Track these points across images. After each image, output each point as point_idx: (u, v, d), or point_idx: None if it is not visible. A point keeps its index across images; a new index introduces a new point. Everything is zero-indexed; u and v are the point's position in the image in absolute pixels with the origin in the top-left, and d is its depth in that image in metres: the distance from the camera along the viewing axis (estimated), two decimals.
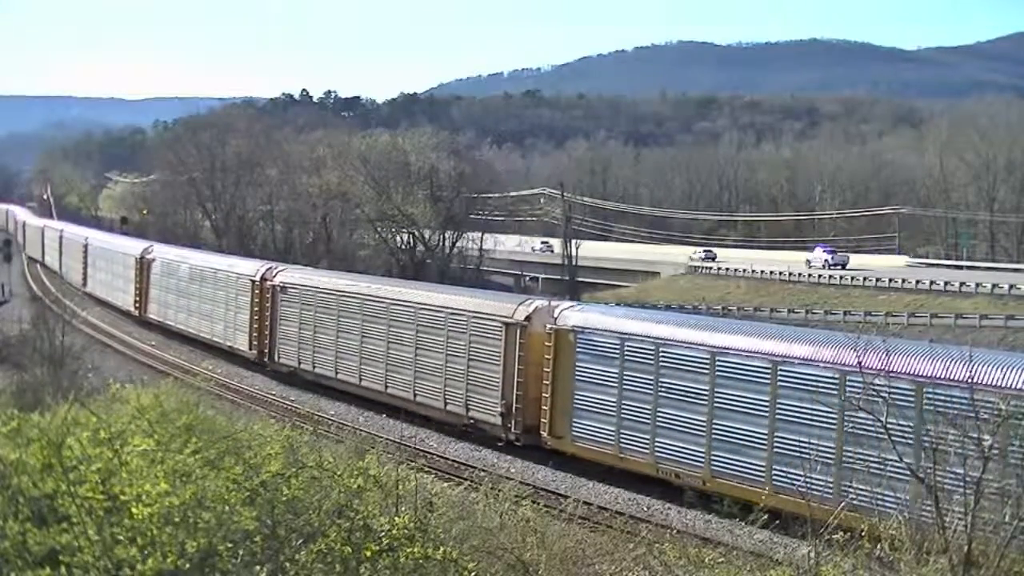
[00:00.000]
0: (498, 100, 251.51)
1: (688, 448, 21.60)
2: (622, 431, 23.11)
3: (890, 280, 67.52)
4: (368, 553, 9.17)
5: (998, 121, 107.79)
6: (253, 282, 38.98)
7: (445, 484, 19.44)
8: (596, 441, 23.76)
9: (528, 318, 25.82)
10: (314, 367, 34.57)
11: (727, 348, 21.08)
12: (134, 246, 55.83)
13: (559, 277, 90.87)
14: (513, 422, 25.94)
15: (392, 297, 31.31)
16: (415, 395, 29.32)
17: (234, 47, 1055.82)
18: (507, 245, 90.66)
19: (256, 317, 38.34)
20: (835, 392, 18.34)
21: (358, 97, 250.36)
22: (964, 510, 9.85)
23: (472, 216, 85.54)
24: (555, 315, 25.36)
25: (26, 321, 38.42)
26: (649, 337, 22.71)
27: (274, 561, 8.88)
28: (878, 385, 14.08)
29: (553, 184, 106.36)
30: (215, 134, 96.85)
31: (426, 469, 21.19)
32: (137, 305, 51.48)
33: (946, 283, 64.29)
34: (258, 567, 8.67)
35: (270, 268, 39.58)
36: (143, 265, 50.96)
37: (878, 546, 10.70)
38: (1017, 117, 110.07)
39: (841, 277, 71.17)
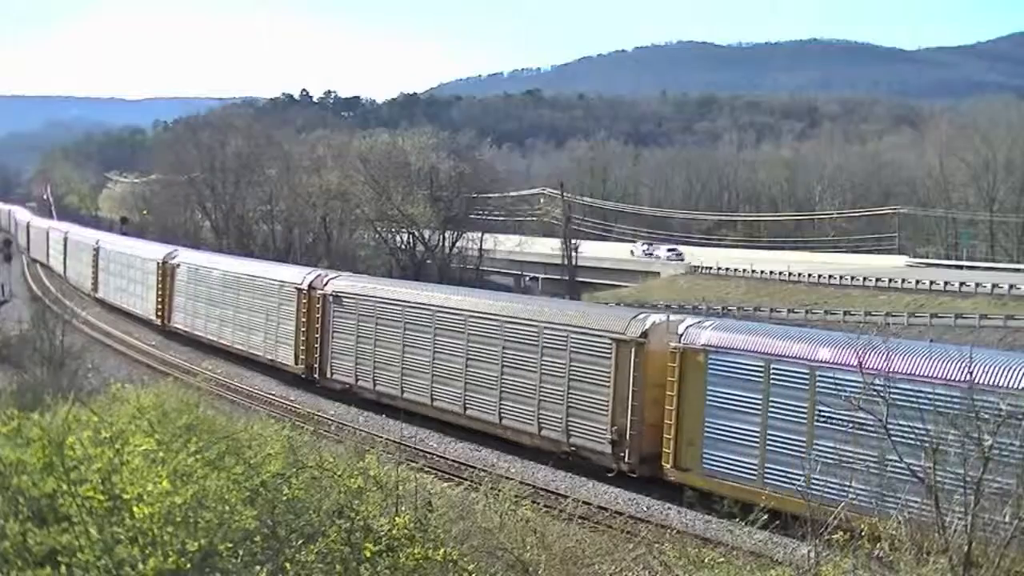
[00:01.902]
0: (498, 100, 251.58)
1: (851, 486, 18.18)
2: (767, 464, 20.22)
3: (890, 280, 67.54)
4: (368, 553, 9.18)
5: (998, 121, 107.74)
6: (299, 290, 36.18)
7: (445, 484, 19.46)
8: (734, 475, 20.88)
9: (644, 335, 23.20)
10: (374, 385, 31.84)
11: (910, 375, 17.39)
12: (155, 250, 52.80)
13: (559, 277, 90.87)
14: (627, 451, 23.23)
15: (471, 309, 28.48)
16: (501, 418, 26.71)
17: (234, 47, 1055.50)
18: (507, 245, 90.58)
19: (304, 329, 35.55)
20: None
21: (358, 97, 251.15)
22: (964, 510, 9.86)
23: (472, 216, 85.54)
24: (679, 332, 22.52)
25: (26, 321, 38.46)
26: (803, 360, 19.78)
27: (274, 561, 8.89)
28: None
29: (553, 184, 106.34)
30: (215, 134, 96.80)
31: (426, 469, 21.19)
32: (159, 313, 48.40)
33: (946, 283, 64.28)
34: (258, 567, 8.68)
35: (318, 276, 36.57)
36: (166, 271, 48.01)
37: (878, 546, 10.71)
38: (1017, 117, 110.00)
39: (841, 277, 71.14)
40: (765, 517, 14.60)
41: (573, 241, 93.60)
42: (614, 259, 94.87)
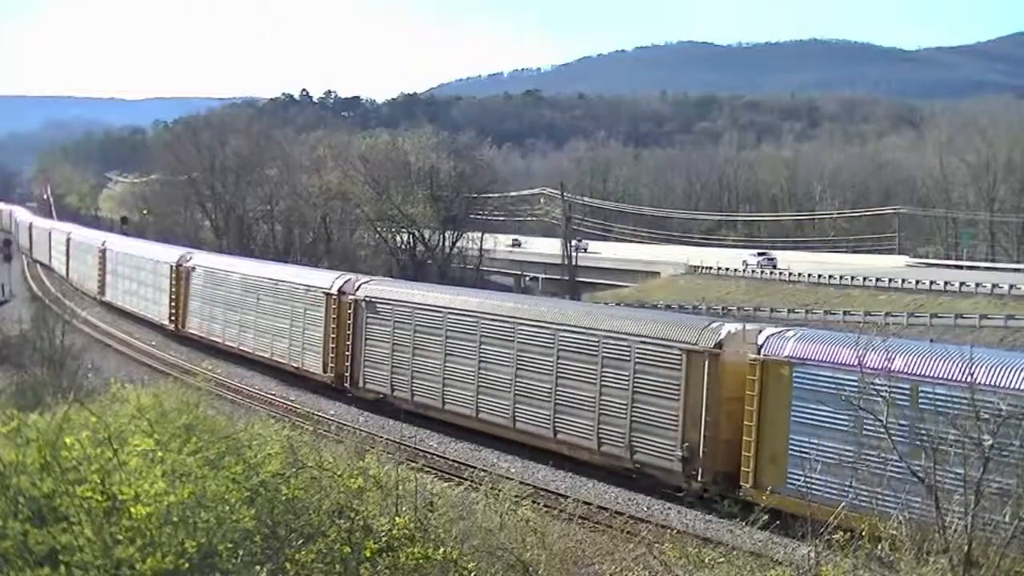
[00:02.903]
0: (498, 100, 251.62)
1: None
2: (858, 485, 17.74)
3: (890, 280, 67.57)
4: (368, 553, 9.18)
5: (998, 121, 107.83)
6: (328, 296, 34.26)
7: (445, 484, 19.43)
8: (822, 496, 18.15)
9: (719, 345, 21.57)
10: (412, 395, 30.09)
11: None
12: (168, 253, 50.50)
13: (559, 277, 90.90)
14: (699, 469, 21.63)
15: (521, 316, 26.82)
16: (555, 432, 25.12)
17: (234, 47, 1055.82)
18: (503, 244, 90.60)
19: (333, 336, 33.72)
20: None
21: (358, 97, 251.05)
22: (964, 510, 9.86)
23: (472, 216, 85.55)
24: (758, 342, 20.98)
25: (26, 321, 38.43)
26: (908, 375, 17.83)
27: (274, 561, 8.89)
28: None
29: (553, 184, 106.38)
30: (215, 134, 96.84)
31: (426, 469, 21.18)
32: (172, 318, 46.30)
33: (946, 283, 64.32)
34: (258, 567, 8.67)
35: (349, 280, 34.68)
36: (180, 274, 45.89)
37: (878, 546, 10.70)
38: (1017, 117, 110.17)
39: (841, 277, 71.12)
40: (765, 517, 14.60)
41: (575, 240, 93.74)
42: (621, 259, 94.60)
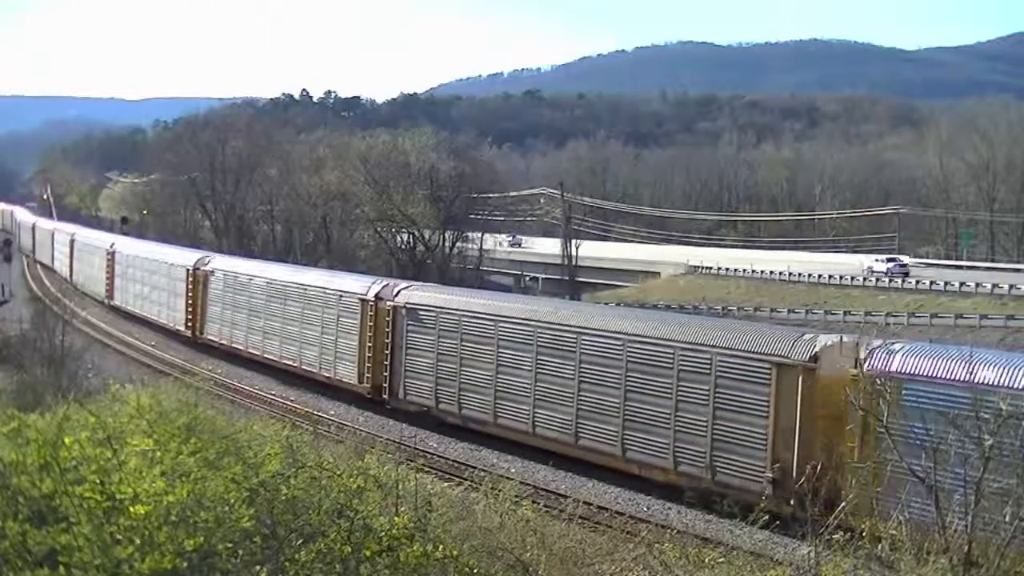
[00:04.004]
0: (498, 100, 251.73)
1: None
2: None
3: (890, 280, 67.60)
4: (368, 553, 9.17)
5: (998, 121, 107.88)
6: (364, 302, 32.73)
7: (445, 484, 19.44)
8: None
9: (814, 358, 20.13)
10: (460, 408, 28.54)
11: None
12: (184, 256, 48.98)
13: (559, 277, 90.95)
14: (793, 491, 19.76)
15: (584, 325, 25.32)
16: (624, 451, 23.72)
17: (234, 47, 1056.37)
18: (504, 245, 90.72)
19: (370, 344, 32.09)
20: None
21: (358, 97, 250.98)
22: (964, 510, 9.86)
23: (472, 216, 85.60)
24: (860, 355, 19.45)
25: (26, 321, 38.44)
26: None
27: (274, 561, 8.88)
28: None
29: (553, 184, 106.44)
30: (215, 134, 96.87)
31: (426, 469, 21.19)
32: (189, 324, 44.69)
33: (946, 283, 64.37)
34: (258, 567, 8.67)
35: (386, 285, 33.10)
36: (197, 278, 44.26)
37: (878, 546, 10.71)
38: (1017, 117, 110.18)
39: (841, 277, 71.06)
40: (765, 517, 14.62)
41: (575, 241, 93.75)
42: (620, 259, 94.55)
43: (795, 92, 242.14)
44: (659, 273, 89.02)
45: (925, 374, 18.14)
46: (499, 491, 15.59)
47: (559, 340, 25.55)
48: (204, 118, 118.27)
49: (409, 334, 30.48)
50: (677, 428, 22.39)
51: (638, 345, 23.51)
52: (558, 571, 13.04)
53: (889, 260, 76.22)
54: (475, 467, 23.87)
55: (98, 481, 8.17)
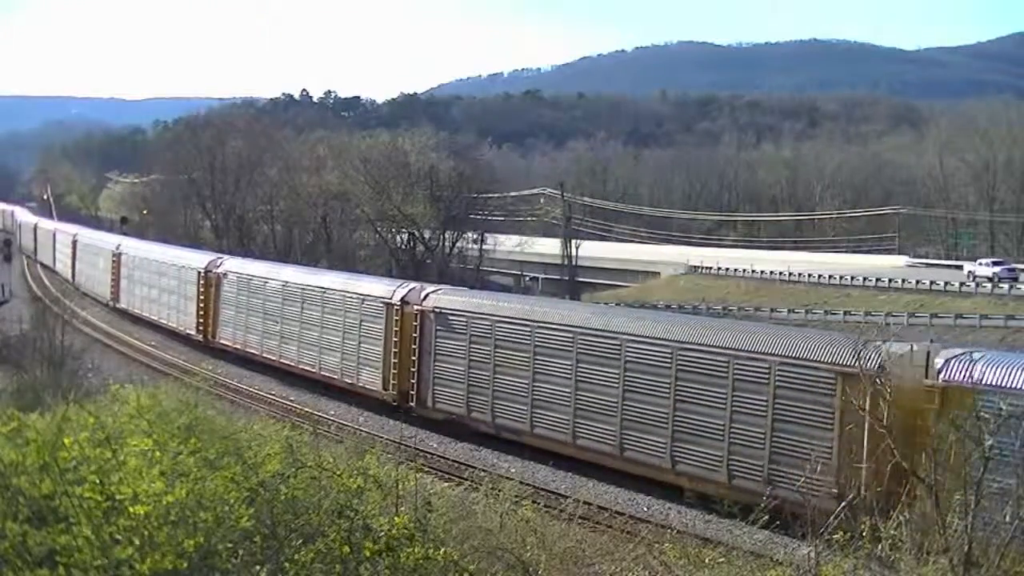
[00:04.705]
0: (498, 100, 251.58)
1: None
2: None
3: (890, 280, 67.59)
4: (368, 553, 9.17)
5: (998, 121, 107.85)
6: (389, 306, 31.60)
7: (445, 484, 19.44)
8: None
9: (883, 367, 18.92)
10: (493, 417, 27.62)
11: None
12: (195, 258, 48.10)
13: (559, 277, 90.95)
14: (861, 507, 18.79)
15: (631, 332, 24.32)
16: (673, 462, 22.76)
17: (234, 47, 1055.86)
18: (507, 245, 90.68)
19: (396, 350, 31.01)
20: None
21: (358, 97, 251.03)
22: (964, 510, 9.85)
23: (472, 216, 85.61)
24: (935, 364, 18.52)
25: (26, 321, 38.44)
26: None
27: (274, 561, 8.88)
28: None
29: (553, 184, 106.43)
30: (215, 134, 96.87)
31: (426, 469, 21.18)
32: (201, 328, 43.66)
33: (946, 283, 64.34)
34: (257, 567, 8.68)
35: (412, 289, 31.97)
36: (209, 281, 43.29)
37: (878, 546, 10.71)
38: (1017, 117, 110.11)
39: (841, 277, 71.02)
40: (765, 517, 14.61)
41: (575, 241, 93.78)
42: (621, 259, 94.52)
43: (795, 92, 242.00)
44: (659, 273, 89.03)
45: (1011, 385, 16.80)
46: (499, 491, 15.60)
47: (602, 347, 24.65)
48: (204, 118, 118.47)
49: (438, 339, 29.52)
50: (732, 440, 21.49)
51: (689, 353, 22.58)
52: (558, 571, 13.05)
53: (995, 264, 67.20)
54: (475, 467, 23.88)
55: (98, 481, 8.18)
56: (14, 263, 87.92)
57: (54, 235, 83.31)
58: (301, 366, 36.22)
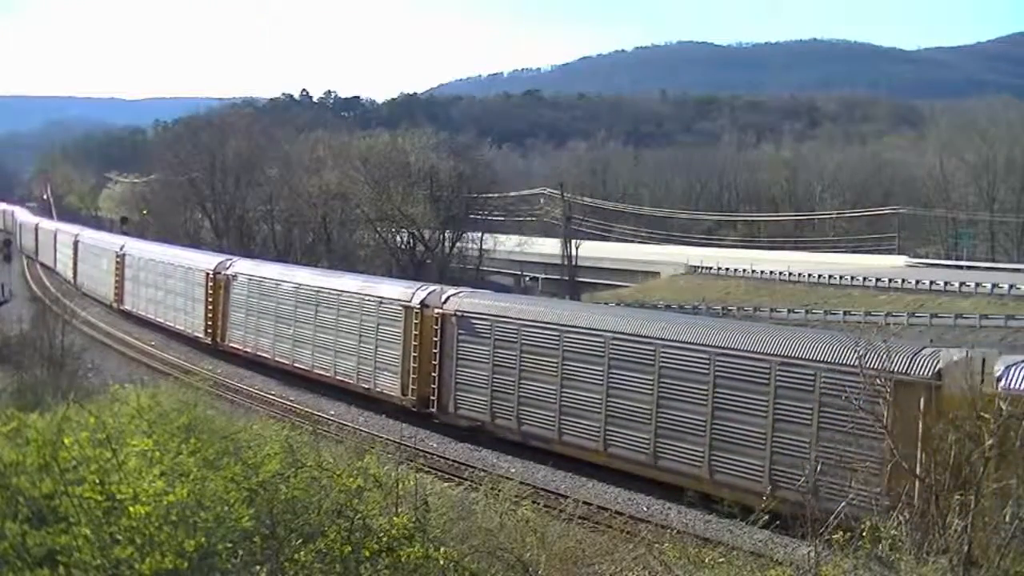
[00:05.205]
0: (498, 100, 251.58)
1: None
2: None
3: (890, 280, 67.60)
4: (367, 553, 9.18)
5: (998, 121, 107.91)
6: (409, 309, 30.96)
7: (445, 484, 19.45)
8: None
9: (938, 375, 18.45)
10: (519, 424, 26.99)
11: None
12: (203, 259, 47.43)
13: (559, 277, 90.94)
14: None
15: (666, 337, 23.65)
16: (711, 471, 22.12)
17: (234, 47, 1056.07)
18: (507, 245, 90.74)
19: (415, 355, 30.37)
20: None
21: (358, 97, 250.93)
22: (964, 510, 9.85)
23: (472, 216, 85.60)
24: (994, 373, 17.69)
25: (26, 321, 38.43)
26: None
27: (273, 561, 8.89)
28: None
29: (553, 184, 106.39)
30: (215, 134, 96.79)
31: (426, 469, 21.19)
32: (209, 330, 43.10)
33: (946, 283, 64.35)
34: (257, 567, 8.68)
35: (432, 292, 31.23)
36: (218, 282, 42.68)
37: (878, 546, 10.70)
38: (1017, 117, 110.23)
39: (841, 277, 71.08)
40: (765, 517, 14.61)
41: (575, 241, 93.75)
42: (621, 259, 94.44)
43: (795, 92, 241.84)
44: (659, 273, 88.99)
45: None
46: (499, 491, 15.59)
47: (635, 352, 24.00)
48: (204, 118, 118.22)
49: (460, 344, 28.84)
50: (775, 450, 20.76)
51: (728, 359, 21.93)
52: (558, 571, 13.05)
53: None
54: (475, 467, 23.89)
55: (98, 481, 8.18)
56: (14, 263, 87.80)
57: (55, 235, 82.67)
58: (316, 371, 35.56)
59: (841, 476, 18.36)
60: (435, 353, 29.52)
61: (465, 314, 28.96)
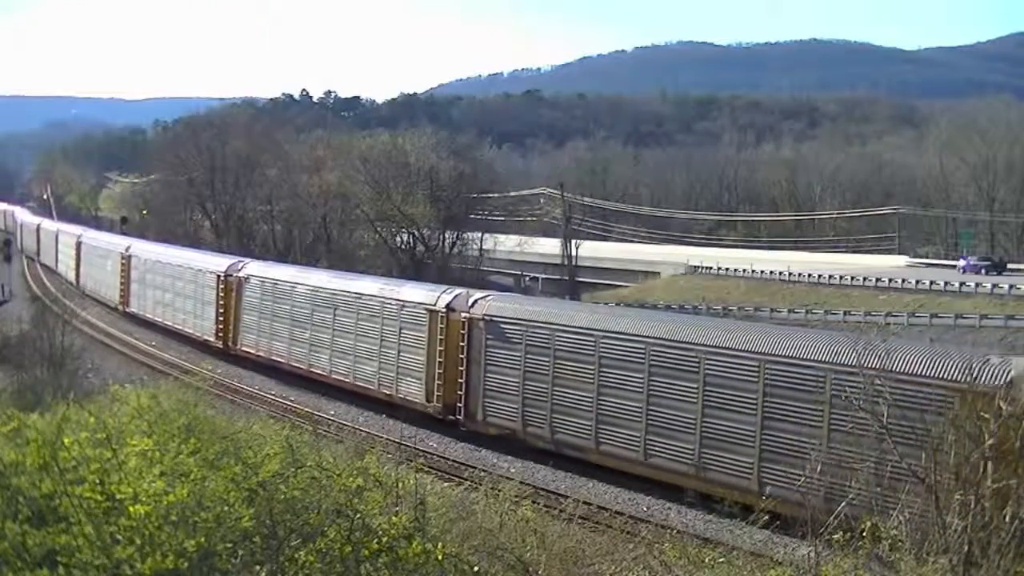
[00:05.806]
0: (498, 100, 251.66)
1: None
2: None
3: (890, 280, 67.60)
4: (367, 552, 9.18)
5: (998, 121, 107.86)
6: (433, 313, 30.04)
7: (445, 484, 19.45)
8: None
9: (1010, 385, 17.46)
10: (552, 433, 26.10)
11: None
12: (213, 261, 46.40)
13: (559, 277, 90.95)
14: None
15: (711, 344, 22.81)
16: (761, 483, 21.06)
17: (234, 47, 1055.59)
18: (507, 245, 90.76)
19: (441, 360, 29.46)
20: None
21: (358, 97, 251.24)
22: (964, 510, 9.85)
23: (472, 216, 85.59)
24: None
25: (26, 321, 38.42)
26: None
27: (273, 561, 8.89)
28: None
29: (553, 184, 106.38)
30: (215, 134, 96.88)
31: (426, 469, 21.19)
32: (220, 334, 42.18)
33: (946, 283, 64.34)
34: (257, 567, 8.68)
35: (458, 295, 30.32)
36: (229, 285, 41.79)
37: (878, 546, 10.70)
38: (1017, 117, 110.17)
39: (841, 277, 71.09)
40: (766, 517, 14.61)
41: (575, 241, 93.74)
42: (621, 259, 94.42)
43: (795, 92, 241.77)
44: (659, 273, 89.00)
45: None
46: (499, 491, 15.60)
47: (678, 360, 23.15)
48: (204, 118, 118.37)
49: (488, 349, 27.97)
50: (826, 460, 19.52)
51: (779, 367, 21.09)
52: (558, 571, 13.05)
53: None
54: (475, 467, 23.88)
55: (98, 481, 8.18)
56: (14, 263, 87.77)
57: (57, 236, 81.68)
58: (334, 376, 34.65)
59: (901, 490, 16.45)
60: (461, 359, 28.75)
61: (494, 318, 28.14)
